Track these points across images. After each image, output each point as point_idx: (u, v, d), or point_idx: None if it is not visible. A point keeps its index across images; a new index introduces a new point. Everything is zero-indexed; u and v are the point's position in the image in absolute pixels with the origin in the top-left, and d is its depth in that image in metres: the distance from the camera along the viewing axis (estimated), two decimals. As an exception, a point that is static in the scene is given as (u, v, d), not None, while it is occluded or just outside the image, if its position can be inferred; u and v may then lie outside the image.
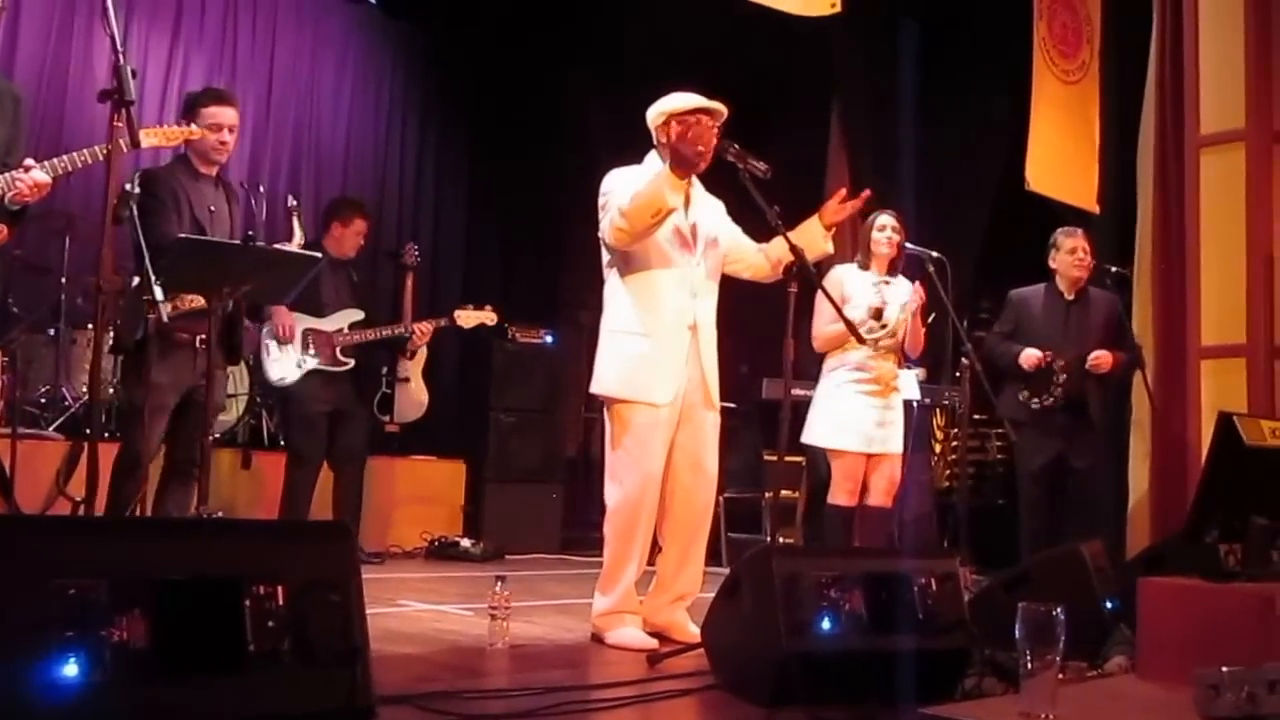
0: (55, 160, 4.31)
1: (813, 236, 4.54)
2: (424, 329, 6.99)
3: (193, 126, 5.02)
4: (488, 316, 7.17)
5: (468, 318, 7.10)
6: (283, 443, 7.18)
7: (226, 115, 5.15)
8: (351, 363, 6.83)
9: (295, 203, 6.60)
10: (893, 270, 5.88)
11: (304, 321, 6.76)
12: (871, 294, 5.70)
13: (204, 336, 4.81)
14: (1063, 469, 6.19)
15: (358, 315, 6.90)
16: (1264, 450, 3.53)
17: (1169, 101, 6.92)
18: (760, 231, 4.63)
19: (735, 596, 3.52)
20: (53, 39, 7.72)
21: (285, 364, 6.71)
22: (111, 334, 5.36)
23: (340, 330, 6.81)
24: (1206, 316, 6.75)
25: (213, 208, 5.11)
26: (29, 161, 4.30)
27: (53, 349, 6.63)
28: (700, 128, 4.32)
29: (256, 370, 7.14)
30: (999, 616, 3.62)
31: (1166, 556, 4.37)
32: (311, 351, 6.72)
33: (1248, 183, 6.62)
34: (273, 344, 6.72)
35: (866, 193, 4.75)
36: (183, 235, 4.75)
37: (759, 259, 4.66)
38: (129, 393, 5.08)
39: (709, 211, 4.61)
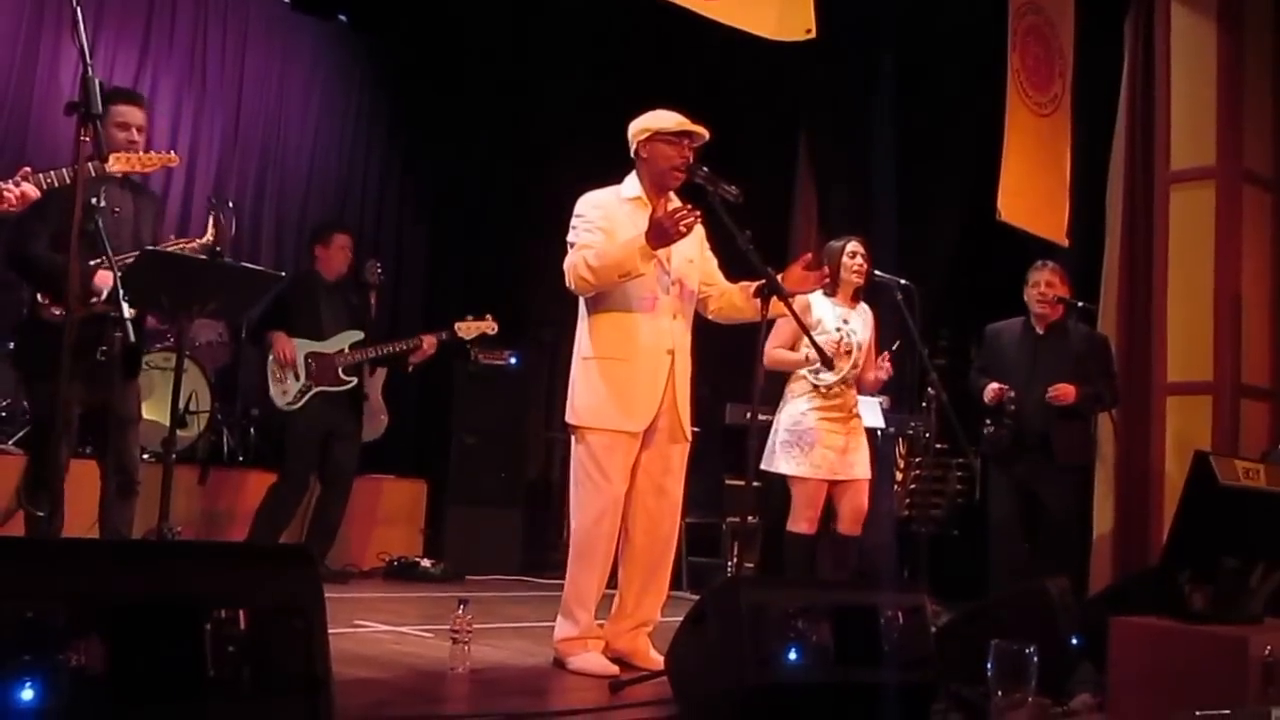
0: (43, 175, 4.25)
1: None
2: (430, 341, 6.85)
3: (171, 153, 4.95)
4: (488, 326, 7.02)
5: (468, 328, 6.97)
6: (279, 461, 6.97)
7: (135, 115, 5.00)
8: (354, 381, 6.82)
9: (214, 201, 6.44)
10: (856, 298, 5.86)
11: (305, 346, 6.73)
12: (834, 329, 5.67)
13: (104, 348, 4.72)
14: (1032, 508, 6.16)
15: (358, 336, 6.87)
16: (1238, 490, 3.53)
17: (1139, 137, 6.97)
18: (728, 259, 4.59)
19: (701, 626, 3.48)
20: (20, 49, 7.58)
21: (290, 389, 6.69)
22: (12, 346, 5.27)
23: (341, 351, 6.78)
24: (1173, 352, 6.79)
25: (117, 209, 4.88)
26: (26, 170, 4.24)
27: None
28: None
29: (220, 385, 7.06)
30: (963, 651, 3.60)
31: (1131, 593, 4.37)
32: (314, 374, 6.70)
33: (1217, 220, 6.67)
34: (276, 369, 6.71)
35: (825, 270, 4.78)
36: (149, 248, 4.67)
37: (732, 294, 4.59)
38: (36, 408, 4.97)
39: (687, 237, 4.55)
